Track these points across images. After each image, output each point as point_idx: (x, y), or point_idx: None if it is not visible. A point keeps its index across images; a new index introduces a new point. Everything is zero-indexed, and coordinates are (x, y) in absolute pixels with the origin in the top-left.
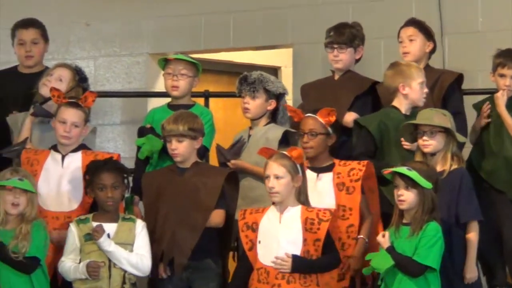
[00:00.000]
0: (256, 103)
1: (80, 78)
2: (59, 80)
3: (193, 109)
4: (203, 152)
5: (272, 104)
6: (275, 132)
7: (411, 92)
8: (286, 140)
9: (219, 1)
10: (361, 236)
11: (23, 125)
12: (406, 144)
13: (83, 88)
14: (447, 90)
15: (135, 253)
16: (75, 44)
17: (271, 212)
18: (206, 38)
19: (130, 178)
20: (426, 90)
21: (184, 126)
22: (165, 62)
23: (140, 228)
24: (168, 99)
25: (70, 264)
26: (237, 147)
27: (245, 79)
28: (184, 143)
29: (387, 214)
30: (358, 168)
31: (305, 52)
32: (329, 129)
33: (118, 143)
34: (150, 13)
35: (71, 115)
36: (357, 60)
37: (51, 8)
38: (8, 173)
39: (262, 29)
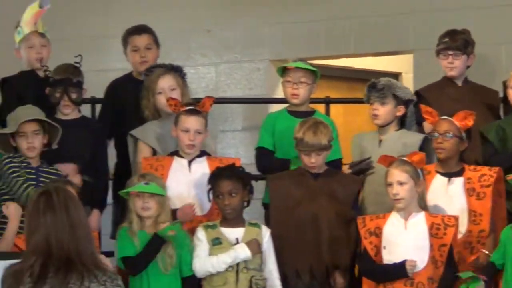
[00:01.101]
0: (385, 110)
1: (182, 76)
2: (172, 90)
3: (314, 116)
4: (340, 164)
5: (401, 110)
6: (413, 137)
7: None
8: (425, 147)
9: (340, 7)
10: (485, 251)
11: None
12: None
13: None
14: None
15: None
16: (196, 51)
17: (395, 218)
18: (326, 44)
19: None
20: None
21: (325, 140)
22: (283, 70)
23: (268, 237)
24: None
25: (212, 257)
26: (360, 169)
27: (373, 86)
28: (323, 155)
29: None
30: (489, 174)
31: (426, 58)
32: (463, 134)
33: (239, 149)
34: (271, 20)
35: (193, 123)
36: (467, 67)
37: (173, 15)
38: (136, 179)
39: (382, 35)
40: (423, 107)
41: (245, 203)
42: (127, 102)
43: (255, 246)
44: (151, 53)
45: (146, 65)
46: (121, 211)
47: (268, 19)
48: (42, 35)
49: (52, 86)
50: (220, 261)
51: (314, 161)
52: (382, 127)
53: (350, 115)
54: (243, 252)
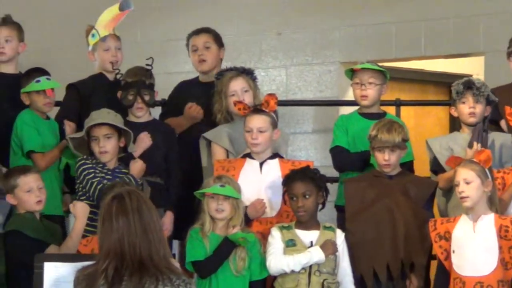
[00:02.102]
0: (480, 109)
1: (253, 79)
2: (245, 92)
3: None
4: (412, 167)
5: (488, 110)
6: (505, 137)
7: None
8: None
9: (410, 10)
10: None
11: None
12: None
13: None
14: None
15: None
16: (267, 53)
17: (464, 221)
18: (397, 46)
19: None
20: None
21: (399, 137)
22: (352, 72)
23: (342, 240)
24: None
25: (287, 256)
26: (481, 136)
27: (473, 83)
28: (397, 153)
29: None
30: None
31: (497, 60)
32: None
33: (310, 151)
34: (341, 22)
35: (254, 122)
36: None
37: (243, 18)
38: (211, 180)
39: (453, 37)
40: (507, 108)
41: (320, 205)
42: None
43: (329, 247)
44: (210, 52)
45: (204, 64)
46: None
47: (339, 21)
48: (118, 38)
49: (124, 89)
50: (295, 261)
51: (388, 159)
52: (472, 127)
53: (421, 117)
54: (317, 254)
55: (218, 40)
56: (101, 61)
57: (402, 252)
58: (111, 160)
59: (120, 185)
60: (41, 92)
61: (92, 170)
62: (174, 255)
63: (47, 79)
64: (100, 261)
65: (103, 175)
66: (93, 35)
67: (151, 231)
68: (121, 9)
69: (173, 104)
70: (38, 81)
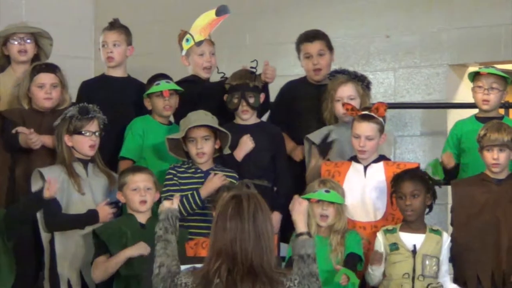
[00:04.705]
0: None
1: (366, 85)
2: (350, 100)
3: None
4: None
5: None
6: None
7: None
8: None
9: None
10: None
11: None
12: None
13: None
14: None
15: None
16: (375, 56)
17: None
18: (506, 48)
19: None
20: None
21: (508, 137)
22: (474, 75)
23: (447, 244)
24: (468, 111)
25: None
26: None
27: None
28: (506, 153)
29: None
30: None
31: None
32: None
33: (418, 154)
34: (450, 24)
35: (363, 129)
36: None
37: (352, 20)
38: (316, 184)
39: None
40: None
41: (428, 208)
42: (301, 105)
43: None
44: (324, 59)
45: (319, 73)
46: None
47: (447, 23)
48: (212, 43)
49: (229, 92)
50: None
51: (497, 157)
52: None
53: None
54: None
55: (329, 44)
56: (195, 66)
57: (505, 264)
58: (206, 161)
59: (240, 187)
60: (160, 95)
61: (172, 182)
62: (283, 258)
63: (167, 82)
64: (212, 260)
65: (183, 187)
66: (187, 40)
67: (264, 239)
68: (218, 14)
69: (283, 104)
70: (158, 84)
